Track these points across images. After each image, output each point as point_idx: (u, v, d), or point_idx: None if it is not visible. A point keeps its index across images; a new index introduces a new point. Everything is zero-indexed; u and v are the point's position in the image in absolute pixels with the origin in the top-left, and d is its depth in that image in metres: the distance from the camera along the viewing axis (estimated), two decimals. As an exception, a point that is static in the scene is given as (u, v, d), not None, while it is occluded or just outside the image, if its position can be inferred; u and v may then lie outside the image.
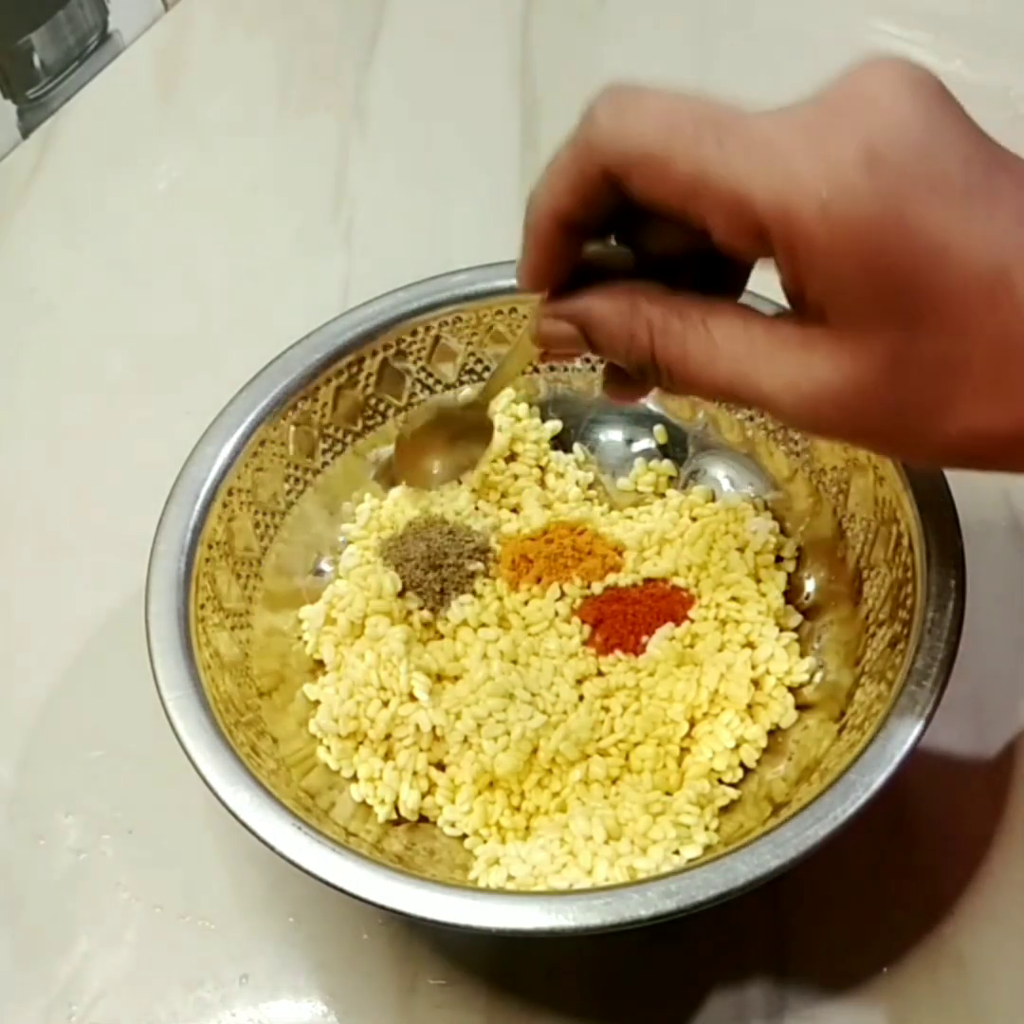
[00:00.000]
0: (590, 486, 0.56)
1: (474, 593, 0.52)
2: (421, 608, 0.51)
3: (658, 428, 0.56)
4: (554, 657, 0.50)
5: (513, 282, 0.54)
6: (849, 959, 0.46)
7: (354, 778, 0.49)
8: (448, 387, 0.56)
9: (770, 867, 0.40)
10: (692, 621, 0.51)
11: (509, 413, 0.56)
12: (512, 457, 0.56)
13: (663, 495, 0.56)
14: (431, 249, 0.68)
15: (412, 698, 0.49)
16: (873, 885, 0.48)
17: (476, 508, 0.55)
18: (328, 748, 0.49)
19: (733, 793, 0.48)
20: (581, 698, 0.49)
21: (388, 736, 0.48)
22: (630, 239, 0.39)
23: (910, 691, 0.43)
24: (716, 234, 0.35)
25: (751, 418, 0.54)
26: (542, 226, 0.38)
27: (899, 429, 0.35)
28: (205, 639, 0.47)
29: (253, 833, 0.42)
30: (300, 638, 0.52)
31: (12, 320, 0.69)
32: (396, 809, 0.48)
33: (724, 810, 0.47)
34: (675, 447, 0.56)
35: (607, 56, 0.77)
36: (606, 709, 0.49)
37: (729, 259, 0.37)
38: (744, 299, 0.39)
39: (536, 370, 0.56)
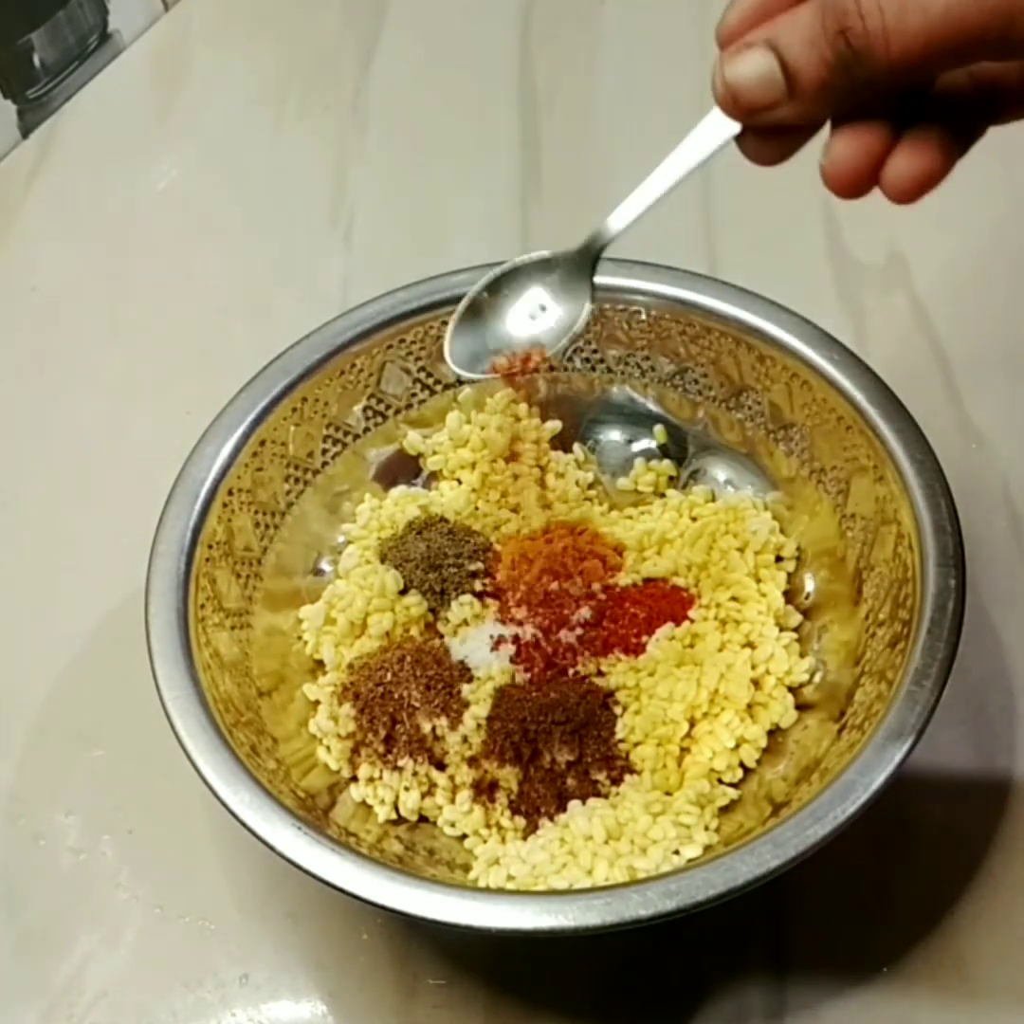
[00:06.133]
0: (590, 486, 0.56)
1: (474, 593, 0.52)
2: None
3: (658, 428, 0.56)
4: (554, 657, 0.50)
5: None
6: (849, 959, 0.46)
7: (354, 778, 0.49)
8: (448, 387, 0.56)
9: (770, 867, 0.40)
10: (692, 621, 0.51)
11: (509, 413, 0.56)
12: (512, 457, 0.56)
13: (663, 495, 0.56)
14: (431, 249, 0.68)
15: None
16: (873, 885, 0.48)
17: (476, 508, 0.55)
18: (328, 748, 0.49)
19: (733, 793, 0.48)
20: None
21: (388, 736, 0.48)
22: None
23: (910, 691, 0.43)
24: None
25: (751, 418, 0.54)
26: None
27: None
28: (205, 639, 0.47)
29: (253, 833, 0.42)
30: (300, 638, 0.52)
31: (12, 320, 0.69)
32: (396, 809, 0.48)
33: (724, 810, 0.47)
34: (675, 447, 0.56)
35: (607, 56, 0.77)
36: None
37: None
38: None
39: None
